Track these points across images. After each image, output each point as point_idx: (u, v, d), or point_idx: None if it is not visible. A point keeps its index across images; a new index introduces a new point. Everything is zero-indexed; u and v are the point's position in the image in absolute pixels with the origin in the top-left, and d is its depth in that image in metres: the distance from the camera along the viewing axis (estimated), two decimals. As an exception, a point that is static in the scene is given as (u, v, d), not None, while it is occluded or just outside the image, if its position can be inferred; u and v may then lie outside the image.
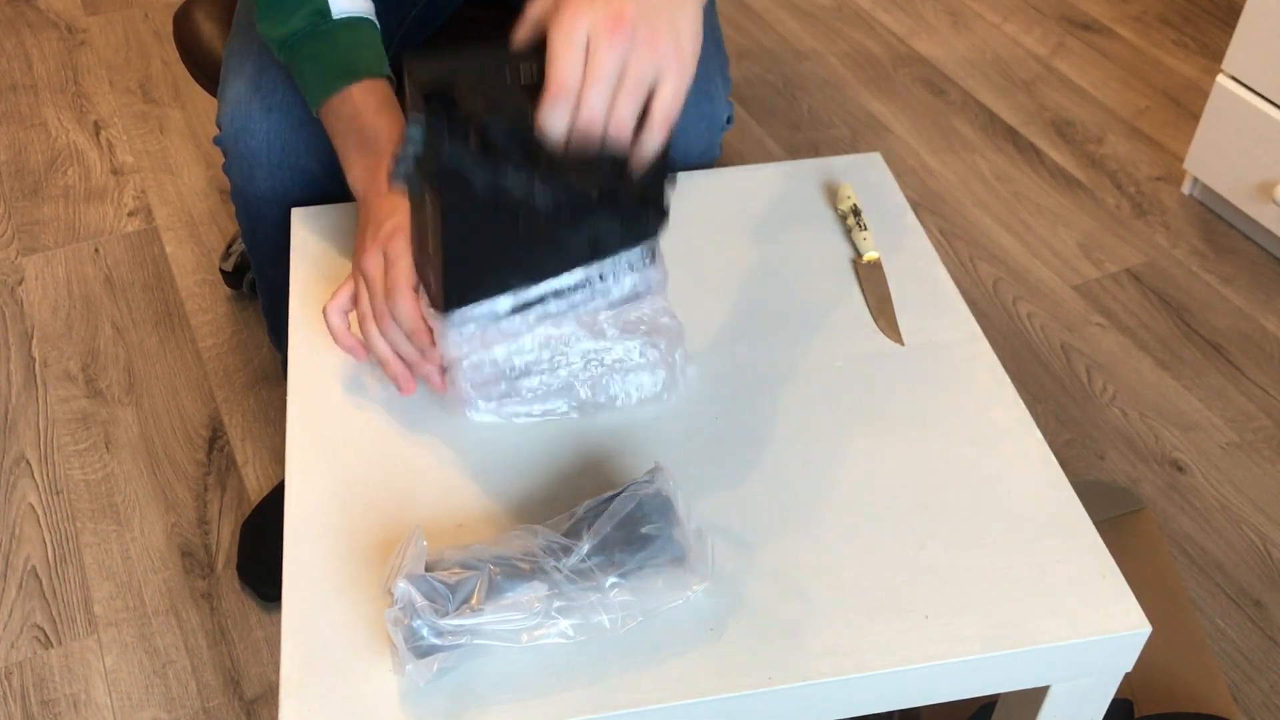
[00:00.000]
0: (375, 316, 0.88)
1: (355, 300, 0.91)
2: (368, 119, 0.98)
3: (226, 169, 1.15)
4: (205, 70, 1.41)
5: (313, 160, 1.13)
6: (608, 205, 0.74)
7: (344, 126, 0.99)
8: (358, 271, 0.91)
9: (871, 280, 1.03)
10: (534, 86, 0.73)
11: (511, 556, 0.75)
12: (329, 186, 1.15)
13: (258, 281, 1.28)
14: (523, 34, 0.76)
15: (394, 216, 0.89)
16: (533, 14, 0.76)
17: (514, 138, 0.71)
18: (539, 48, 0.74)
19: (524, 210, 0.76)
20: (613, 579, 0.75)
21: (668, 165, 0.76)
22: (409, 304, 0.86)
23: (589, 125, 0.72)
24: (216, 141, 1.15)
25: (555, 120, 0.72)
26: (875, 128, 2.14)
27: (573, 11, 0.72)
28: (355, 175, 0.99)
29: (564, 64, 0.71)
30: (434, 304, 0.82)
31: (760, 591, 0.80)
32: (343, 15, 1.00)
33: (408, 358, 0.89)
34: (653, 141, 0.75)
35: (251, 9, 1.06)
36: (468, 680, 0.75)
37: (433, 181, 0.72)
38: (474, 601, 0.72)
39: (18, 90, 2.17)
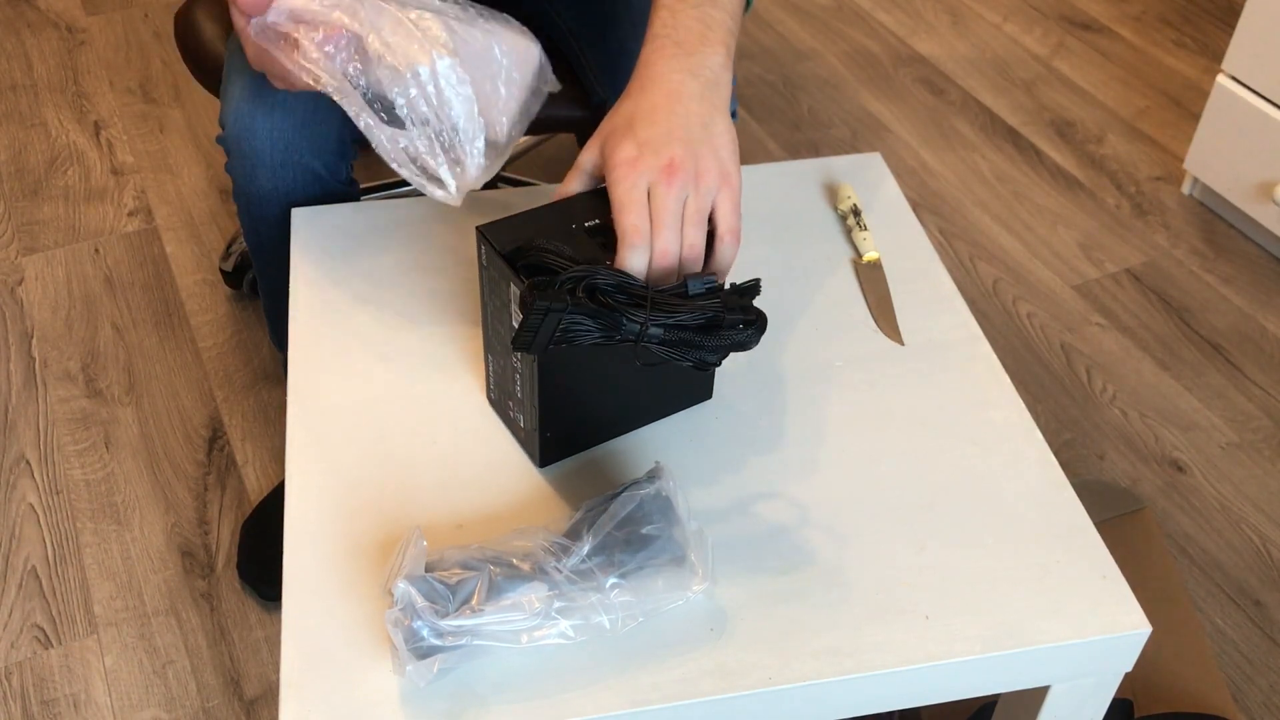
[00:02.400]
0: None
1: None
2: None
3: (229, 168, 1.15)
4: (206, 70, 1.41)
5: (315, 159, 1.13)
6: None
7: None
8: None
9: (871, 280, 1.03)
10: (596, 229, 0.82)
11: (511, 556, 0.75)
12: (331, 186, 1.15)
13: (259, 281, 1.28)
14: (575, 184, 0.85)
15: None
16: (583, 164, 0.85)
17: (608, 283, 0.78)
18: (594, 196, 0.84)
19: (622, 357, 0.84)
20: (613, 579, 0.75)
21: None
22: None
23: (665, 260, 0.80)
24: (219, 141, 1.15)
25: (634, 263, 0.79)
26: (875, 128, 2.14)
27: (628, 168, 0.80)
28: None
29: (631, 217, 0.79)
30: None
31: (760, 591, 0.80)
32: None
33: None
34: (727, 252, 0.83)
35: None
36: (468, 681, 0.75)
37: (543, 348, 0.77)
38: (474, 602, 0.72)
39: (18, 90, 2.17)
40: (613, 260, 0.80)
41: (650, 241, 0.79)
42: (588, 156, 0.85)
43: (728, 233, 0.83)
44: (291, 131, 1.11)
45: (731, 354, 0.95)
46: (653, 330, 0.75)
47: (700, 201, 0.81)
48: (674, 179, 0.80)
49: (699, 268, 0.82)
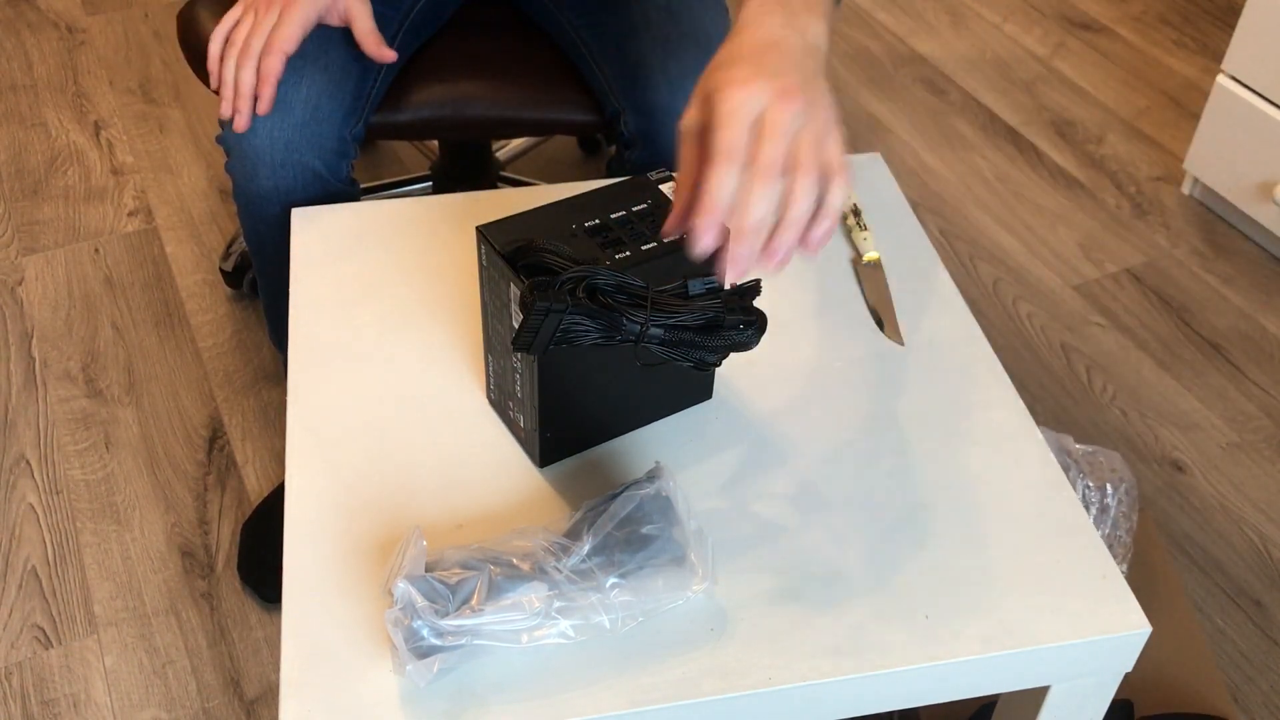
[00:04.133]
0: (240, 53, 1.07)
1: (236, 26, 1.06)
2: None
3: (229, 167, 1.15)
4: (209, 70, 1.41)
5: (315, 159, 1.13)
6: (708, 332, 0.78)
7: None
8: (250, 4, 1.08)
9: (871, 280, 1.03)
10: (596, 229, 0.80)
11: (511, 556, 0.75)
12: (331, 185, 1.15)
13: (259, 281, 1.28)
14: (692, 113, 0.75)
15: None
16: (688, 126, 0.75)
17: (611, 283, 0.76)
18: (595, 196, 0.81)
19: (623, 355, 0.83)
20: (613, 579, 0.75)
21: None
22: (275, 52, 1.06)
23: (766, 177, 0.71)
24: (219, 140, 1.15)
25: (723, 186, 0.71)
26: (875, 128, 2.14)
27: (740, 86, 0.72)
28: None
29: (733, 131, 0.71)
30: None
31: (760, 591, 0.80)
32: None
33: (243, 89, 1.07)
34: (838, 194, 0.75)
35: None
36: (468, 680, 0.75)
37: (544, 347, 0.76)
38: (474, 602, 0.72)
39: (18, 90, 2.17)
40: (626, 252, 0.79)
41: (750, 161, 0.71)
42: (691, 114, 0.75)
43: (840, 171, 0.74)
44: (291, 131, 1.11)
45: (731, 354, 0.96)
46: (653, 331, 0.74)
47: (814, 136, 0.73)
48: (789, 102, 0.72)
49: (801, 226, 0.73)
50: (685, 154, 0.76)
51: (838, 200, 0.75)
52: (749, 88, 0.72)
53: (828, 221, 0.74)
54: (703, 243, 0.72)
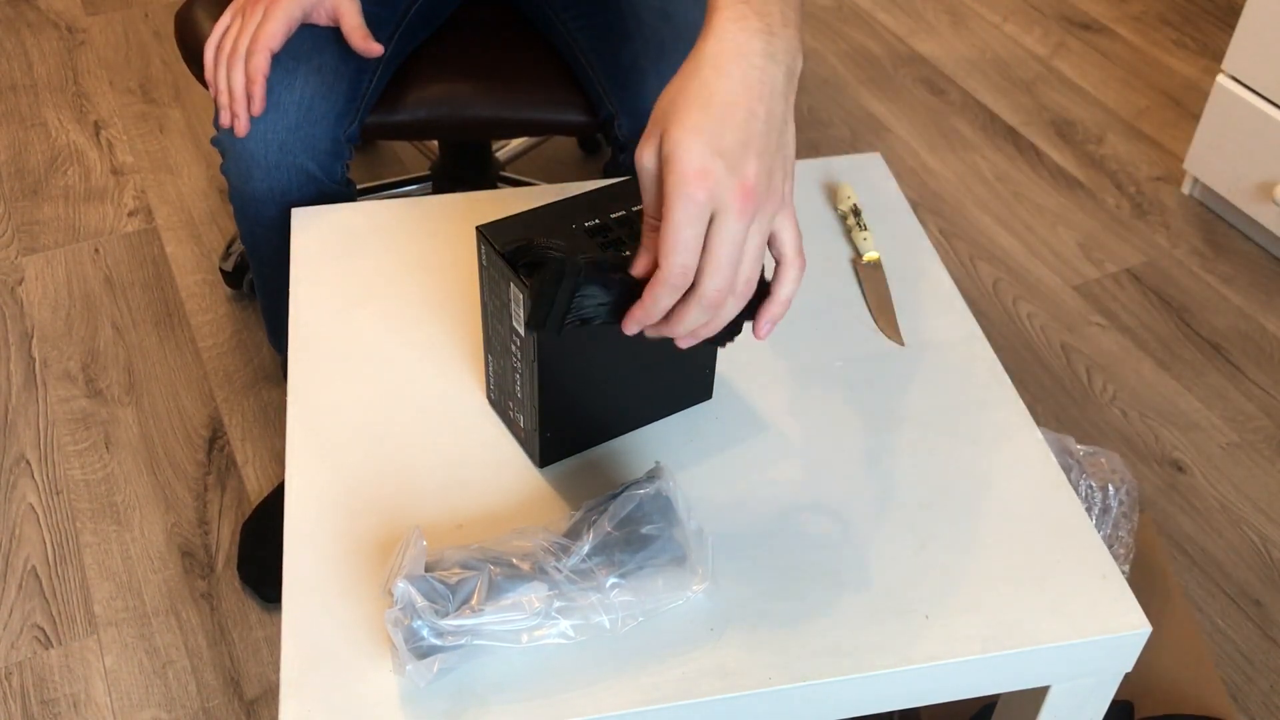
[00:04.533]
0: (229, 55, 1.08)
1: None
2: None
3: (224, 169, 1.15)
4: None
5: (309, 160, 1.13)
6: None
7: None
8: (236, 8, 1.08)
9: (871, 280, 1.03)
10: (596, 228, 0.80)
11: (511, 556, 0.75)
12: (326, 186, 1.15)
13: (256, 282, 1.28)
14: (649, 154, 0.71)
15: None
16: (645, 164, 0.71)
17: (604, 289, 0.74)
18: (595, 195, 0.80)
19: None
20: (613, 579, 0.75)
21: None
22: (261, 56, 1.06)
23: (713, 305, 0.70)
24: (214, 142, 1.15)
25: (662, 303, 0.70)
26: (875, 128, 2.14)
27: (698, 181, 0.67)
28: None
29: (682, 255, 0.68)
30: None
31: (760, 591, 0.80)
32: None
33: (235, 91, 1.08)
34: (790, 285, 0.74)
35: None
36: (468, 681, 0.75)
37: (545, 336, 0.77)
38: (474, 602, 0.72)
39: (18, 90, 2.17)
40: (626, 252, 0.79)
41: (695, 283, 0.69)
42: (648, 154, 0.70)
43: (795, 257, 0.73)
44: (284, 133, 1.11)
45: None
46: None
47: (763, 233, 0.71)
48: (746, 208, 0.68)
49: (739, 309, 0.73)
50: (646, 192, 0.72)
51: (788, 291, 0.74)
52: (705, 186, 0.67)
53: (778, 308, 0.74)
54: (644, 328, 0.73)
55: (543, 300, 0.72)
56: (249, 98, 1.09)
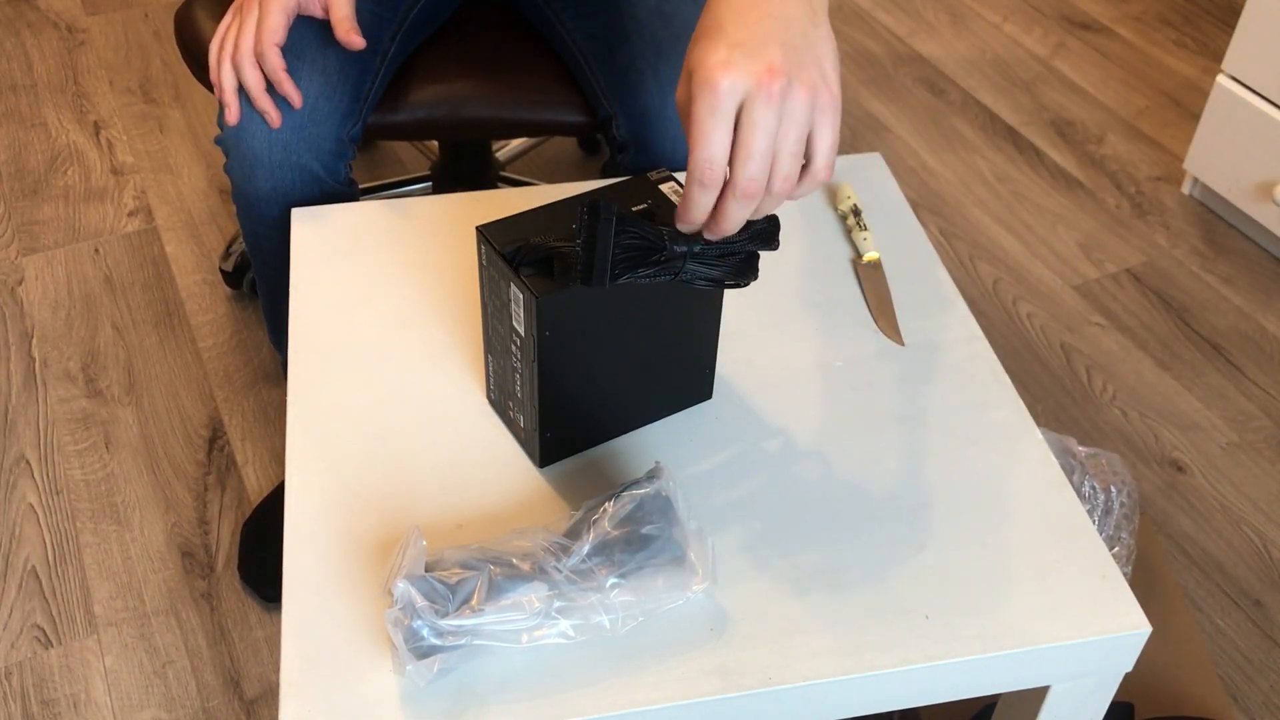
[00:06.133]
0: (235, 53, 1.07)
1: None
2: None
3: (227, 169, 1.15)
4: (206, 69, 1.41)
5: (313, 160, 1.13)
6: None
7: None
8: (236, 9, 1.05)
9: (871, 280, 1.03)
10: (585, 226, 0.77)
11: (511, 556, 0.75)
12: (330, 186, 1.15)
13: (258, 282, 1.28)
14: (681, 91, 0.72)
15: None
16: (687, 64, 0.71)
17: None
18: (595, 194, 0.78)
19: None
20: (613, 579, 0.75)
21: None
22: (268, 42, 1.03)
23: (747, 196, 0.69)
24: (218, 141, 1.15)
25: (699, 204, 0.69)
26: (875, 128, 2.14)
27: (720, 70, 0.67)
28: None
29: (709, 148, 0.68)
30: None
31: (760, 591, 0.80)
32: None
33: (252, 87, 1.07)
34: (810, 188, 0.73)
35: None
36: (468, 680, 0.75)
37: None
38: (474, 602, 0.72)
39: (18, 90, 2.17)
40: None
41: (729, 177, 0.69)
42: (680, 91, 0.71)
43: (823, 168, 0.72)
44: (289, 133, 1.11)
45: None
46: (697, 249, 0.75)
47: (799, 127, 0.69)
48: (772, 88, 0.67)
49: (777, 206, 0.72)
50: (686, 131, 0.72)
51: (805, 193, 0.73)
52: (727, 76, 0.67)
53: (771, 203, 0.72)
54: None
55: (587, 246, 0.72)
56: (283, 95, 1.10)
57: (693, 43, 0.71)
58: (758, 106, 0.68)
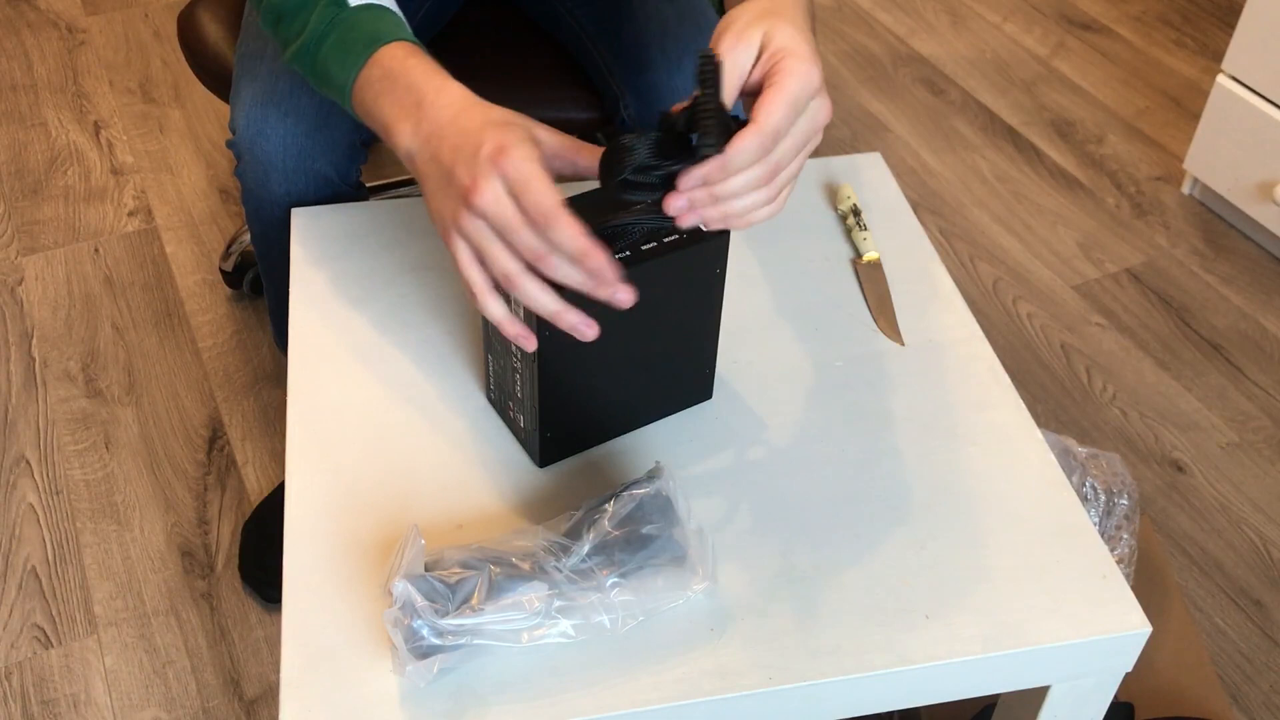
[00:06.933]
0: (534, 260, 0.73)
1: (480, 262, 0.75)
2: (398, 69, 0.86)
3: (240, 172, 1.14)
4: (211, 72, 1.41)
5: (327, 165, 1.13)
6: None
7: (376, 92, 0.86)
8: (465, 222, 0.74)
9: (871, 280, 1.03)
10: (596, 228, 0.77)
11: (511, 556, 0.75)
12: (341, 189, 1.15)
13: (266, 285, 1.28)
14: (737, 54, 0.76)
15: (485, 131, 0.77)
16: (765, 37, 0.77)
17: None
18: (595, 195, 0.79)
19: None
20: (613, 579, 0.75)
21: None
22: (568, 225, 0.71)
23: (777, 170, 0.75)
24: (229, 145, 1.15)
25: (749, 151, 0.73)
26: (875, 128, 2.14)
27: (811, 69, 0.75)
28: (403, 132, 0.83)
29: (785, 114, 0.74)
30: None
31: (760, 591, 0.80)
32: (360, 3, 0.91)
33: (580, 287, 0.75)
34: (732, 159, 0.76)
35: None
36: (468, 680, 0.75)
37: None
38: (474, 601, 0.72)
39: (18, 90, 2.17)
40: (626, 251, 0.80)
41: (774, 148, 0.74)
42: (743, 46, 0.76)
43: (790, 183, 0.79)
44: (304, 137, 1.11)
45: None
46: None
47: (818, 139, 0.78)
48: (826, 100, 0.77)
49: (754, 206, 0.78)
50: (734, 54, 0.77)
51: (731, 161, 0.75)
52: (809, 78, 0.75)
53: (715, 171, 0.74)
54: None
55: (617, 152, 0.73)
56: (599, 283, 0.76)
57: (772, 17, 0.77)
58: (818, 109, 0.76)
